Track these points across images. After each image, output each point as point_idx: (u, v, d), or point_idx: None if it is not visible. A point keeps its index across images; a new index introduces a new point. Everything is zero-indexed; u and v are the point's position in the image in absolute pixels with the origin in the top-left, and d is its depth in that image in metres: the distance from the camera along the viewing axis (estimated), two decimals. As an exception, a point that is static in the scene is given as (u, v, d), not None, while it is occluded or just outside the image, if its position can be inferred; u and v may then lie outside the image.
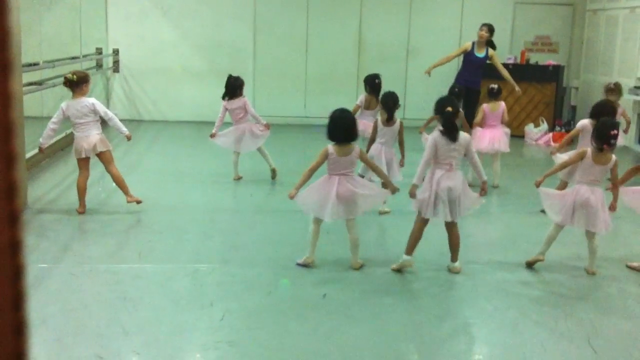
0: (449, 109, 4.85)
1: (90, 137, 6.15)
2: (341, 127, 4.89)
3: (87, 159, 6.23)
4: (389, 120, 6.18)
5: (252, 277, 4.84)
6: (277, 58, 12.29)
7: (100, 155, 6.23)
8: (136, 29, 12.09)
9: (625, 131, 8.13)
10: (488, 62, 9.35)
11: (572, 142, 6.76)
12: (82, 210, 6.24)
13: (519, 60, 12.00)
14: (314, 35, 12.38)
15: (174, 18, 12.16)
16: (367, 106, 7.15)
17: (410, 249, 4.97)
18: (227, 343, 3.80)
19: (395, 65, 12.24)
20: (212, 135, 7.74)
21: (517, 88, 9.30)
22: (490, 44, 9.33)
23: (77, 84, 6.16)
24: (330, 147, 4.91)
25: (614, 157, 5.00)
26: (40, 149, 6.40)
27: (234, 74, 7.88)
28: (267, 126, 7.73)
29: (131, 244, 5.55)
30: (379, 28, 12.45)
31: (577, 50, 12.84)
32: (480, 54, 9.29)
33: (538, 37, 12.79)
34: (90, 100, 6.19)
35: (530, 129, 11.39)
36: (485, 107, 7.83)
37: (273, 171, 7.82)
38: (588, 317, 4.37)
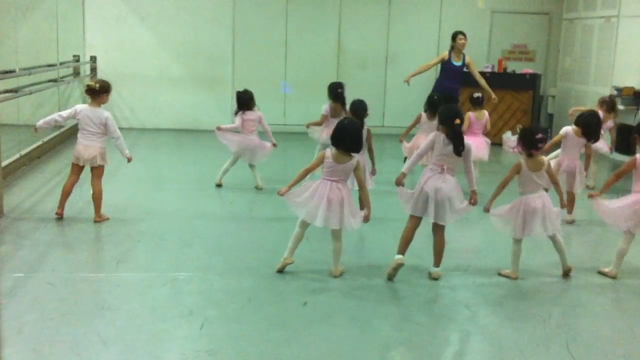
0: (458, 121, 4.86)
1: (92, 147, 6.12)
2: (348, 136, 4.88)
3: (82, 167, 6.19)
4: None
5: (231, 285, 4.82)
6: (256, 64, 12.29)
7: (93, 167, 6.19)
8: (114, 35, 12.02)
9: (610, 149, 8.32)
10: (465, 70, 9.42)
11: (552, 149, 6.87)
12: (60, 212, 6.19)
13: (496, 69, 12.11)
14: (293, 41, 12.40)
15: (152, 24, 12.11)
16: (333, 114, 7.22)
17: (402, 249, 4.99)
18: (206, 352, 3.78)
19: (375, 71, 12.30)
20: (219, 128, 7.74)
21: (493, 96, 9.39)
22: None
23: (98, 92, 6.15)
24: (329, 151, 4.91)
25: (545, 159, 5.15)
26: (35, 129, 6.34)
27: (240, 89, 7.87)
28: (274, 145, 7.78)
29: (109, 252, 5.50)
30: (358, 35, 12.51)
31: (554, 58, 12.99)
32: (457, 62, 9.37)
33: (515, 46, 12.92)
34: (105, 113, 6.16)
35: (507, 136, 11.45)
36: (470, 114, 7.92)
37: (257, 188, 7.80)
38: (566, 323, 4.41)
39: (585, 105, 11.41)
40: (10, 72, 8.22)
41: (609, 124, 8.46)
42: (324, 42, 12.49)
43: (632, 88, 10.17)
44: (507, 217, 5.16)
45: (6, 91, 7.85)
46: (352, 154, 4.92)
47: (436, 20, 12.67)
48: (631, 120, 10.35)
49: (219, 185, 7.80)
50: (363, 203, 5.04)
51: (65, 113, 6.23)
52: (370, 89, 10.27)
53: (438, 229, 5.03)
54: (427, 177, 4.92)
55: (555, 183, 5.27)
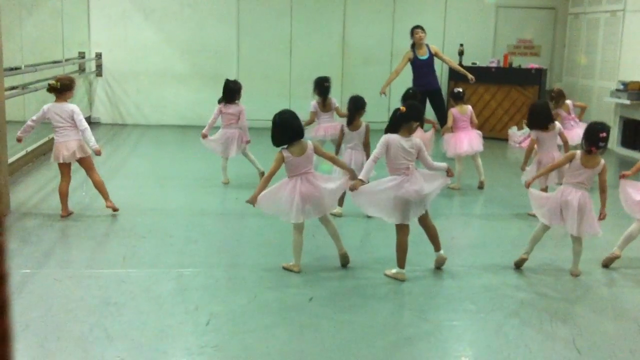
0: (402, 108, 4.89)
1: (69, 142, 6.13)
2: (287, 128, 4.86)
3: (68, 164, 6.21)
4: (351, 124, 6.20)
5: (237, 281, 4.82)
6: (260, 61, 12.28)
7: (80, 162, 6.22)
8: (118, 32, 12.04)
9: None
10: (435, 57, 9.48)
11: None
12: (65, 214, 6.22)
13: (501, 64, 12.07)
14: (298, 38, 12.39)
15: (157, 21, 12.11)
16: (323, 109, 7.24)
17: (402, 262, 4.94)
18: (212, 347, 3.78)
19: (380, 67, 12.27)
20: (204, 136, 7.73)
21: (469, 76, 9.43)
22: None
23: (60, 90, 6.17)
24: (285, 150, 4.87)
25: (602, 161, 5.02)
26: (18, 139, 6.38)
27: (230, 78, 7.88)
28: (248, 142, 7.74)
29: (115, 248, 5.52)
30: (362, 30, 12.49)
31: (559, 53, 12.95)
32: (423, 56, 9.40)
33: (520, 41, 12.88)
34: (70, 107, 6.19)
35: (513, 131, 11.45)
36: (453, 110, 7.92)
37: (262, 174, 7.81)
38: (572, 318, 4.40)
39: (591, 100, 11.40)
40: (16, 69, 8.24)
41: (563, 114, 8.27)
42: (329, 38, 12.48)
43: (638, 82, 10.13)
44: (544, 201, 5.11)
45: (12, 88, 7.86)
46: (304, 141, 4.90)
47: (441, 16, 12.64)
48: (637, 115, 10.32)
49: (226, 183, 7.81)
50: (344, 170, 5.09)
51: (35, 116, 6.24)
52: (375, 84, 10.23)
53: (424, 218, 5.01)
54: (398, 183, 4.77)
55: (602, 190, 5.07)
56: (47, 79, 9.24)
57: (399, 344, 3.96)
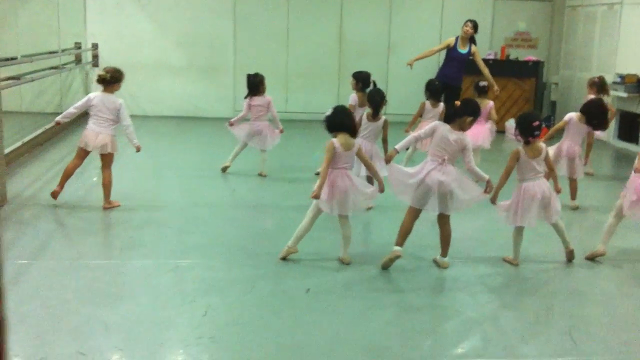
0: (457, 102, 5.02)
1: (102, 134, 6.13)
2: (347, 118, 4.97)
3: (87, 152, 6.20)
4: (374, 116, 6.22)
5: (234, 273, 4.83)
6: (257, 53, 12.25)
7: (103, 155, 6.21)
8: (114, 23, 11.99)
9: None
10: (470, 58, 9.35)
11: (554, 136, 6.87)
12: (59, 189, 6.20)
13: (499, 56, 12.07)
14: (295, 30, 12.36)
15: (153, 12, 12.07)
16: (361, 104, 7.17)
17: (400, 240, 4.96)
18: (209, 338, 3.79)
19: (377, 60, 12.25)
20: (231, 124, 7.74)
21: (495, 87, 9.34)
22: (472, 40, 9.33)
23: (109, 82, 6.18)
24: (335, 140, 4.88)
25: (543, 145, 5.12)
26: (57, 122, 6.42)
27: (251, 72, 7.86)
28: (281, 131, 7.81)
29: (111, 239, 5.51)
30: (359, 23, 12.46)
31: (556, 46, 12.95)
32: (463, 50, 9.28)
33: (518, 33, 12.88)
34: (119, 100, 6.20)
35: (510, 124, 11.45)
36: None
37: (260, 174, 7.82)
38: (568, 309, 4.42)
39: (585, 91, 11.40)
40: (12, 59, 8.20)
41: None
42: (326, 31, 12.45)
43: (635, 75, 10.14)
44: (509, 208, 5.14)
45: (8, 78, 7.83)
46: (352, 139, 4.94)
47: (438, 8, 12.62)
48: (634, 108, 10.33)
49: (225, 168, 7.81)
50: (376, 179, 5.14)
51: (79, 103, 6.24)
52: (372, 77, 10.24)
53: (443, 219, 5.02)
54: (429, 170, 4.85)
55: (550, 169, 5.27)
56: (43, 69, 9.23)
57: (395, 335, 3.97)
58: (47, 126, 9.19)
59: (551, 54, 13.00)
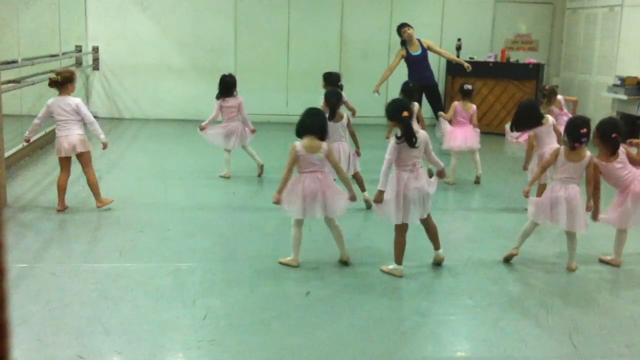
0: (405, 113, 4.74)
1: (71, 136, 6.12)
2: (309, 119, 4.96)
3: (68, 158, 6.20)
4: (332, 118, 6.16)
5: (234, 275, 4.83)
6: (258, 54, 12.26)
7: (79, 156, 6.20)
8: (116, 25, 12.00)
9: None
10: (428, 52, 9.42)
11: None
12: (61, 208, 6.21)
13: (499, 59, 12.07)
14: (296, 31, 12.37)
15: (154, 14, 12.08)
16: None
17: (400, 258, 4.95)
18: (209, 341, 3.79)
19: (377, 61, 12.23)
20: (202, 128, 7.73)
21: (465, 64, 9.38)
22: (418, 40, 9.41)
23: (61, 83, 6.17)
24: (298, 144, 4.88)
25: (588, 154, 5.04)
26: (27, 140, 6.52)
27: (226, 73, 7.95)
28: (253, 131, 7.78)
29: (112, 242, 5.52)
30: (360, 24, 12.47)
31: (557, 48, 12.95)
32: (415, 51, 9.35)
33: (518, 36, 12.88)
34: (75, 100, 6.19)
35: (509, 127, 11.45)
36: (457, 104, 7.93)
37: (261, 167, 7.86)
38: (568, 312, 4.41)
39: (588, 95, 11.41)
40: (13, 62, 8.22)
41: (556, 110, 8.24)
42: (327, 32, 12.45)
43: (636, 78, 10.13)
44: (540, 204, 5.13)
45: (9, 82, 7.85)
46: (320, 141, 4.90)
47: (439, 10, 12.62)
48: (634, 110, 10.32)
49: (227, 177, 7.79)
50: (345, 185, 5.03)
51: (40, 114, 6.24)
52: (373, 78, 10.20)
53: (426, 219, 5.02)
54: (405, 181, 4.77)
55: (589, 182, 5.07)
56: (44, 73, 9.24)
57: (395, 338, 3.97)
58: (48, 129, 9.19)
59: (552, 56, 13.00)
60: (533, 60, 11.95)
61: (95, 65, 12.04)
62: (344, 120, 6.35)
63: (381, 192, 4.83)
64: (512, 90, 11.76)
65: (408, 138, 4.73)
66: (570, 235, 5.12)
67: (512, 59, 12.11)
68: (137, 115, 12.25)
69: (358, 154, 6.53)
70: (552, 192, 5.04)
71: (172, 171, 8.16)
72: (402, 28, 9.34)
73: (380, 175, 4.86)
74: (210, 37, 12.22)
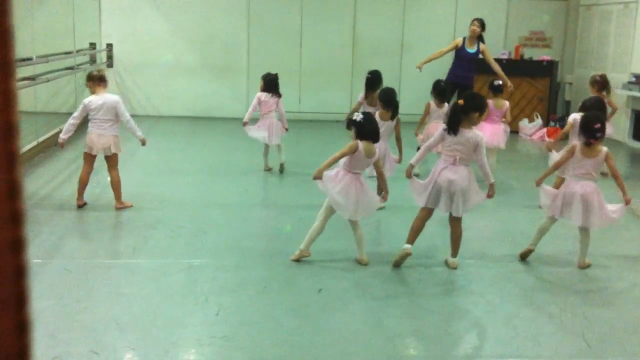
0: (461, 102, 4.84)
1: (105, 136, 6.13)
2: (375, 126, 4.98)
3: (95, 156, 6.22)
4: (395, 116, 6.20)
5: (246, 272, 4.84)
6: (271, 53, 12.27)
7: (108, 156, 6.23)
8: (129, 23, 12.05)
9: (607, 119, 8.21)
10: (480, 57, 9.29)
11: (566, 137, 6.79)
12: (80, 202, 6.23)
13: (513, 56, 12.01)
14: (308, 29, 12.37)
15: (167, 12, 12.12)
16: (370, 102, 7.14)
17: (411, 238, 4.98)
18: (221, 338, 3.80)
19: (390, 60, 12.24)
20: (245, 124, 7.90)
21: (509, 83, 9.26)
22: (480, 38, 9.27)
23: (102, 79, 6.20)
24: (361, 144, 4.88)
25: (604, 149, 5.01)
26: (61, 144, 6.38)
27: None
28: (286, 130, 7.99)
29: (125, 239, 5.54)
30: (373, 23, 12.45)
31: (571, 45, 12.87)
32: (471, 49, 9.21)
33: (532, 32, 12.81)
34: (115, 97, 6.21)
35: (524, 124, 11.42)
36: (489, 102, 7.85)
37: (281, 165, 7.92)
38: (582, 311, 4.39)
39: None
40: (28, 59, 8.26)
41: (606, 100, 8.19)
42: (339, 30, 12.44)
43: (651, 75, 10.06)
44: (553, 195, 5.12)
45: (23, 79, 7.89)
46: (374, 146, 4.97)
47: (452, 8, 12.58)
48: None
49: (268, 170, 8.02)
50: (383, 188, 5.14)
51: (76, 113, 6.18)
52: (385, 77, 10.11)
53: (454, 220, 5.01)
54: (440, 169, 4.88)
55: (615, 176, 5.07)
56: (58, 70, 9.30)
57: (407, 335, 3.97)
58: (62, 126, 9.24)
59: (566, 54, 12.92)
60: (547, 58, 11.89)
61: (109, 63, 12.09)
62: (392, 121, 6.24)
63: (411, 166, 5.03)
64: (526, 88, 11.70)
65: (450, 124, 4.86)
66: (584, 232, 5.09)
67: (526, 56, 12.05)
68: (150, 113, 12.30)
69: (399, 160, 6.38)
70: (568, 188, 5.02)
71: (185, 168, 8.19)
72: (473, 21, 9.23)
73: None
74: (223, 35, 12.24)
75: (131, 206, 6.33)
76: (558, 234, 5.65)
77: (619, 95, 10.86)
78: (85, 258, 5.03)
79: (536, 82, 11.66)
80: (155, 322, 3.98)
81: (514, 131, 11.34)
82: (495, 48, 12.22)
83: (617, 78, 11.03)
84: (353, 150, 4.84)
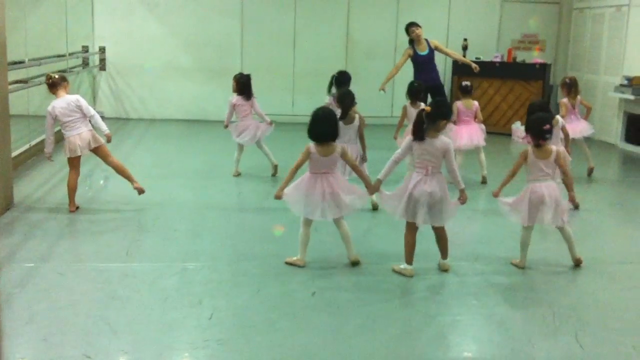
0: (426, 109, 4.78)
1: (83, 134, 6.17)
2: (324, 126, 4.90)
3: (78, 157, 6.23)
4: (344, 118, 5.98)
5: (240, 275, 4.83)
6: (264, 55, 12.27)
7: (96, 151, 6.26)
8: (122, 25, 12.03)
9: (585, 118, 8.38)
10: (435, 52, 9.31)
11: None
12: (73, 209, 6.23)
13: (505, 58, 12.04)
14: (302, 32, 12.38)
15: (161, 14, 12.11)
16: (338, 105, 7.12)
17: (409, 258, 4.95)
18: (216, 341, 3.80)
19: (383, 61, 12.23)
20: (226, 126, 7.92)
21: (474, 65, 9.33)
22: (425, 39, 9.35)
23: (60, 82, 6.24)
24: (312, 145, 4.89)
25: (554, 148, 5.12)
26: (49, 158, 6.46)
27: (237, 73, 8.14)
28: (270, 123, 7.94)
29: (119, 242, 5.53)
30: (366, 25, 12.47)
31: (564, 48, 12.91)
32: (423, 51, 9.26)
33: (525, 35, 12.85)
34: (74, 96, 6.28)
35: (517, 126, 11.43)
36: (458, 103, 7.93)
37: (274, 167, 7.91)
38: (575, 313, 4.40)
39: (595, 95, 11.38)
40: (20, 62, 8.24)
41: (568, 105, 8.23)
42: (333, 32, 12.46)
43: (643, 77, 10.10)
44: (515, 205, 5.15)
45: (16, 82, 7.88)
46: (334, 143, 4.92)
47: (445, 10, 12.61)
48: (641, 110, 10.29)
49: (237, 175, 7.91)
50: (364, 182, 5.07)
51: (48, 124, 6.22)
52: (379, 79, 10.18)
53: (438, 228, 5.01)
54: (415, 182, 4.79)
55: (564, 173, 5.26)
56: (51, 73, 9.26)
57: (402, 338, 3.97)
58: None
59: (558, 56, 12.96)
60: (540, 60, 11.93)
61: (102, 66, 12.07)
62: (356, 122, 6.13)
63: (378, 181, 4.93)
64: (519, 91, 11.74)
65: (416, 133, 4.78)
66: (562, 230, 5.16)
67: (519, 59, 12.09)
68: (143, 116, 12.28)
69: (364, 159, 6.25)
70: (532, 193, 5.04)
71: (179, 171, 8.18)
72: (410, 27, 9.29)
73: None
74: (217, 37, 12.24)
75: (144, 191, 6.46)
76: (549, 236, 5.65)
77: (611, 98, 10.90)
78: (79, 262, 5.02)
79: (529, 84, 11.69)
80: (149, 325, 3.97)
81: (507, 133, 11.37)
82: (488, 51, 12.27)
83: (610, 81, 11.08)
84: (306, 156, 4.87)
